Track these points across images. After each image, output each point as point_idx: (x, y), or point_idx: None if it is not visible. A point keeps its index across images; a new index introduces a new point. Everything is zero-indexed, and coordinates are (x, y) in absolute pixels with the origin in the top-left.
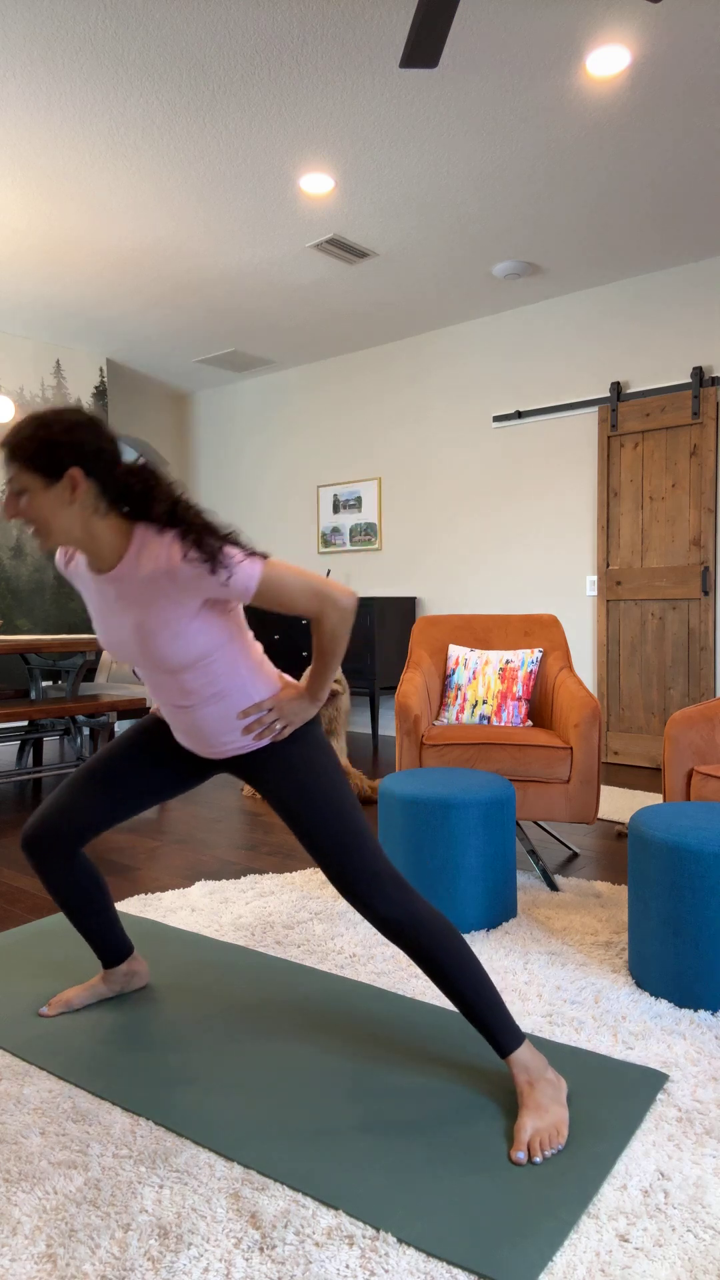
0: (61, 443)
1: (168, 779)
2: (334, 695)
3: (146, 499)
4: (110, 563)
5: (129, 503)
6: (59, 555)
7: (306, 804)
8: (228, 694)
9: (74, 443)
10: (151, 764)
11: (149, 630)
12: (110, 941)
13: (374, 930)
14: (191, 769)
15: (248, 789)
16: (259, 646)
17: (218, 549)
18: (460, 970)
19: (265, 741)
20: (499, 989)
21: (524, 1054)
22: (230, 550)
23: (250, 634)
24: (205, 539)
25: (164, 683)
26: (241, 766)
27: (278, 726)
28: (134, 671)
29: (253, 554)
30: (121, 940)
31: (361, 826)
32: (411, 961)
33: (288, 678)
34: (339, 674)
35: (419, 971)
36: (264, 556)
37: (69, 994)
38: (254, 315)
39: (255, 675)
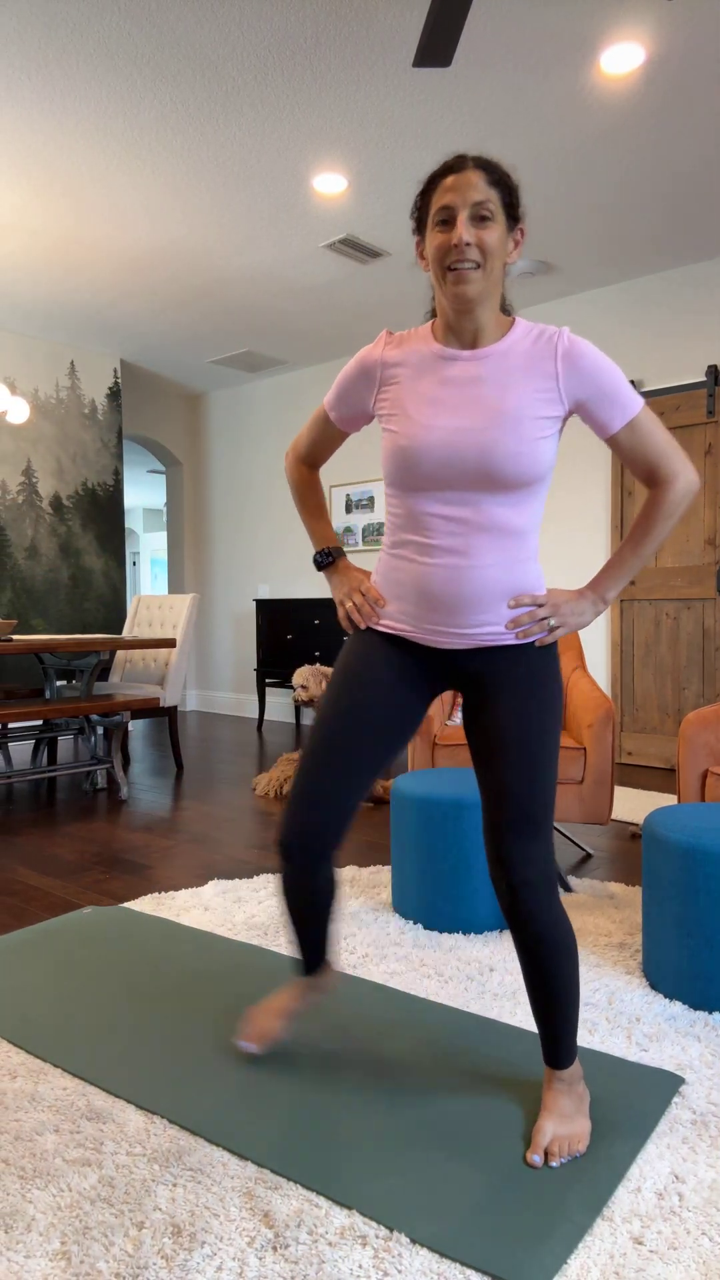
0: (519, 195)
1: (408, 706)
2: None
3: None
4: (491, 337)
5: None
6: (379, 342)
7: (529, 725)
8: (519, 554)
9: (520, 202)
10: (387, 696)
11: (511, 417)
12: (324, 949)
13: (384, 931)
14: (421, 684)
15: (260, 786)
16: None
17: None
18: (564, 971)
19: (528, 641)
20: (513, 989)
21: (572, 1068)
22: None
23: None
24: None
25: (462, 517)
26: (476, 667)
27: (551, 623)
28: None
29: None
30: (330, 945)
31: (555, 777)
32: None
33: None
34: None
35: (431, 972)
36: None
37: (266, 1025)
38: (267, 316)
39: (536, 559)
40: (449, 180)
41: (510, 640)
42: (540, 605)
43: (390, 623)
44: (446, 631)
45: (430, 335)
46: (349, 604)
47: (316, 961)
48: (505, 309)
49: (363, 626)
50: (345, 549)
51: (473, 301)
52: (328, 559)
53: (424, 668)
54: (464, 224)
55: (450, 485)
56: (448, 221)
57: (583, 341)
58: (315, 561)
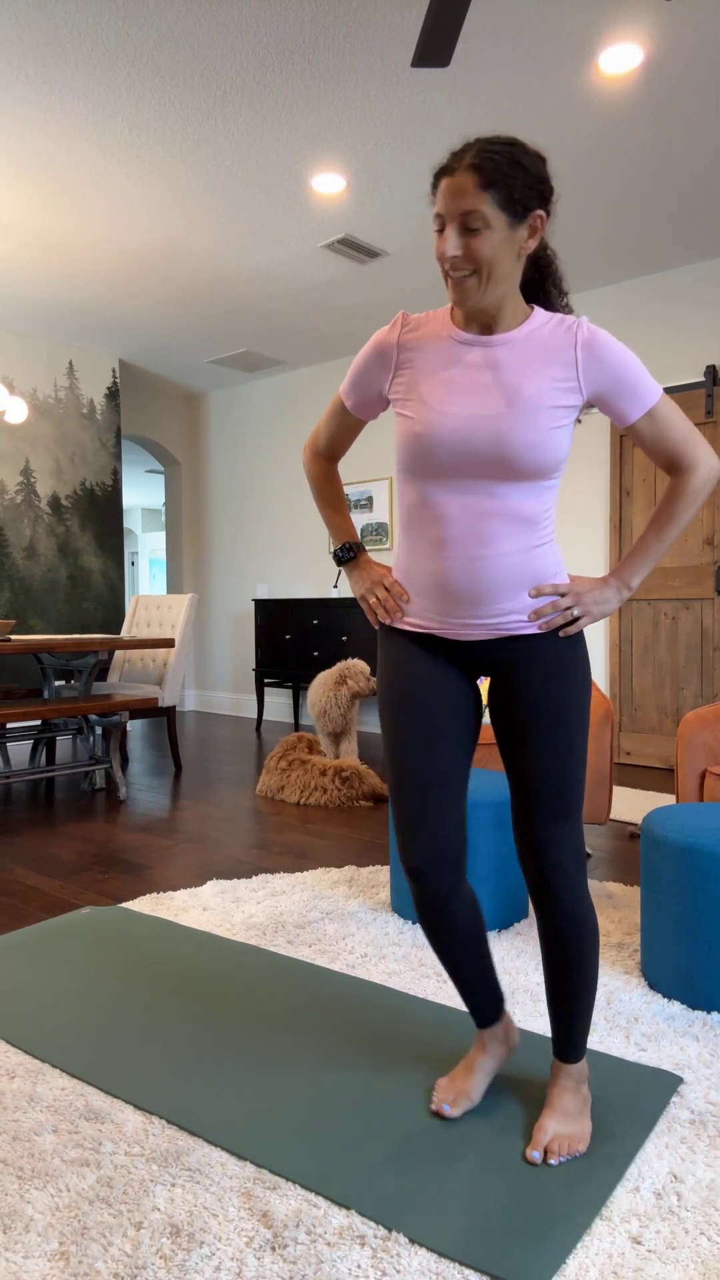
0: (536, 178)
1: (461, 700)
2: (354, 697)
3: (555, 283)
4: (509, 325)
5: (544, 279)
6: (396, 325)
7: (559, 710)
8: (535, 540)
9: (542, 180)
10: (442, 697)
11: (529, 405)
12: (492, 987)
13: (383, 931)
14: (463, 676)
15: (261, 786)
16: None
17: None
18: (586, 961)
19: (552, 630)
20: (510, 989)
21: (581, 1064)
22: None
23: None
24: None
25: (477, 506)
26: (503, 656)
27: (574, 613)
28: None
29: None
30: (498, 985)
31: (585, 761)
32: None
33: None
34: (366, 671)
35: (430, 971)
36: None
37: (463, 1084)
38: (266, 315)
39: (553, 542)
40: (443, 184)
41: (535, 629)
42: (563, 595)
43: (414, 620)
44: (470, 624)
45: (449, 318)
46: (372, 599)
47: (488, 1002)
48: (543, 291)
49: (387, 622)
50: None
51: (471, 305)
52: (349, 554)
53: (457, 660)
54: (450, 236)
55: (465, 473)
56: (442, 228)
57: (602, 332)
58: (335, 556)
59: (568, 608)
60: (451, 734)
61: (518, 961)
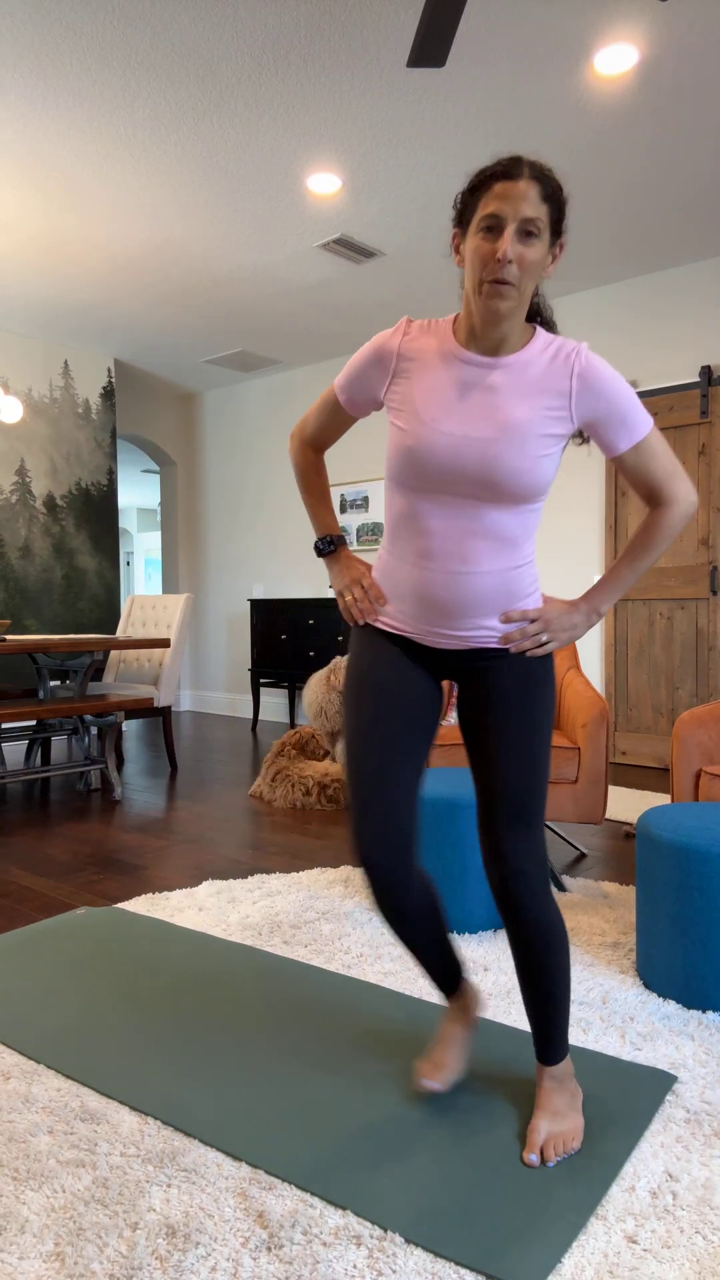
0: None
1: (426, 694)
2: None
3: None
4: (512, 347)
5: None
6: (398, 331)
7: (526, 724)
8: (516, 560)
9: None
10: (407, 689)
11: (519, 432)
12: (450, 959)
13: (380, 931)
14: (428, 675)
15: (255, 788)
16: None
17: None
18: (556, 966)
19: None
20: (505, 989)
21: (563, 1064)
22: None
23: None
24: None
25: (462, 523)
26: (473, 666)
27: (542, 639)
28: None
29: None
30: (455, 956)
31: (548, 773)
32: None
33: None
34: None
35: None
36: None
37: (440, 1058)
38: (261, 315)
39: (532, 563)
40: (502, 187)
41: (498, 644)
42: (533, 620)
43: (389, 621)
44: (444, 634)
45: (451, 332)
46: (349, 597)
47: (448, 977)
48: (534, 313)
49: (361, 622)
50: None
51: (503, 317)
52: (330, 546)
53: (426, 662)
54: (510, 239)
55: (452, 491)
56: (493, 230)
57: (599, 361)
58: (316, 548)
59: (536, 633)
60: (408, 730)
61: (512, 962)
